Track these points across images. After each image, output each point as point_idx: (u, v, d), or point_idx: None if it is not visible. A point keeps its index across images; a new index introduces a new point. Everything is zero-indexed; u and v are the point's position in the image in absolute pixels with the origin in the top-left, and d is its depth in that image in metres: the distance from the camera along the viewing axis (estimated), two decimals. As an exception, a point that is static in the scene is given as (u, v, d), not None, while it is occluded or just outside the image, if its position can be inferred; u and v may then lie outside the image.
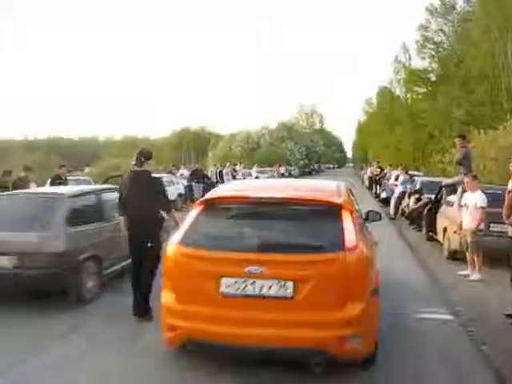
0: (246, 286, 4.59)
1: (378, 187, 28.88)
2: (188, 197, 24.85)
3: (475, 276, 9.35)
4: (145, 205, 6.76)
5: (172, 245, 5.04)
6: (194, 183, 27.43)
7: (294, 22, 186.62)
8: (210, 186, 28.39)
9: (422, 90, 39.14)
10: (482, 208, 9.37)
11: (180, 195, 23.04)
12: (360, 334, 4.53)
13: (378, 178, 29.95)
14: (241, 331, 4.60)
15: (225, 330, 4.63)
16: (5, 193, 9.05)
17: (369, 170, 39.07)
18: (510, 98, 27.28)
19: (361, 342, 4.56)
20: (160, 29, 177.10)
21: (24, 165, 13.83)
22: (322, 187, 6.37)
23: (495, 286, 8.45)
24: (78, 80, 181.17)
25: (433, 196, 14.02)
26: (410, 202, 16.95)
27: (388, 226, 16.63)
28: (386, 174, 27.96)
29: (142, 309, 6.70)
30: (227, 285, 4.65)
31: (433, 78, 37.41)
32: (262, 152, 64.75)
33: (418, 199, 16.11)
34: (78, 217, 7.77)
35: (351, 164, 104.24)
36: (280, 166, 48.69)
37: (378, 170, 31.47)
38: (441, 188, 13.51)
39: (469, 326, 6.53)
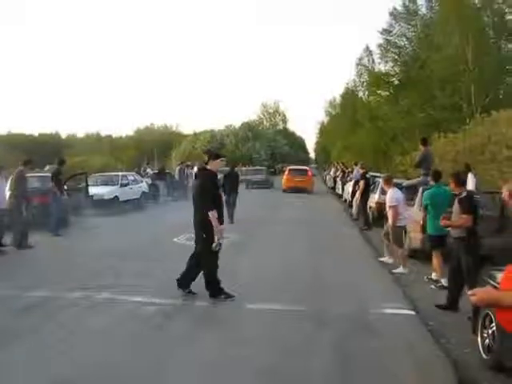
0: None
1: (341, 187, 29.07)
2: (151, 195, 24.85)
3: (400, 270, 9.98)
4: (200, 200, 7.59)
5: None
6: (158, 181, 27.46)
7: (258, 21, 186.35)
8: (174, 184, 28.51)
9: (385, 93, 39.73)
10: (390, 207, 10.16)
11: (144, 193, 22.92)
12: None
13: (340, 177, 30.13)
14: None
15: None
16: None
17: (332, 171, 39.33)
18: (470, 102, 28.00)
19: None
20: (128, 26, 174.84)
21: None
22: None
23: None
24: (38, 75, 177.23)
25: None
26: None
27: (350, 226, 17.01)
28: (349, 172, 27.37)
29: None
30: None
31: (395, 81, 38.01)
32: (227, 152, 64.77)
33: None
34: None
35: (314, 165, 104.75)
36: (244, 165, 48.72)
37: (342, 168, 31.32)
38: (401, 189, 13.82)
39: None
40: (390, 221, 10.32)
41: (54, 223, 14.17)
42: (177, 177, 29.38)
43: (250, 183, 38.37)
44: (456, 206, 7.56)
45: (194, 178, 30.43)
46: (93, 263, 10.37)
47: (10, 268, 10.18)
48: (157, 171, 29.39)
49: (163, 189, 27.69)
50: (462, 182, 7.86)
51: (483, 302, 2.75)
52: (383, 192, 16.55)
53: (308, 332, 6.28)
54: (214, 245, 7.35)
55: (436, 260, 9.04)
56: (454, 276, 7.56)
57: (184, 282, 7.83)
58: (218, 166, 7.86)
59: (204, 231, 7.50)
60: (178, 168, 30.62)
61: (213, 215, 7.36)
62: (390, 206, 10.24)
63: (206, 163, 7.78)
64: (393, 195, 10.31)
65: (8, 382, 4.82)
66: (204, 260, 7.66)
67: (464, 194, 7.63)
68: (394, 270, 10.04)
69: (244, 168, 44.49)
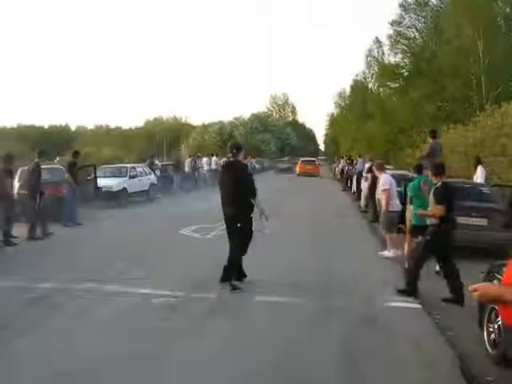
0: None
1: (349, 180, 29.09)
2: (162, 187, 24.99)
3: (387, 253, 10.34)
4: (234, 191, 7.83)
5: None
6: (172, 173, 27.66)
7: (267, 13, 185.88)
8: (185, 176, 28.61)
9: (395, 85, 39.51)
10: (383, 191, 10.44)
11: (152, 185, 22.96)
12: None
13: (347, 170, 30.31)
14: None
15: None
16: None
17: (341, 163, 39.41)
18: (481, 94, 27.76)
19: None
20: (135, 18, 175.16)
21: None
22: None
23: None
24: (49, 67, 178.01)
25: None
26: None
27: (359, 217, 17.01)
28: (355, 163, 27.60)
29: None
30: None
31: (405, 73, 37.78)
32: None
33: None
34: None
35: (324, 157, 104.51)
36: (253, 157, 48.72)
37: (349, 161, 31.51)
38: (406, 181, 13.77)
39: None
40: (383, 205, 10.53)
41: (68, 214, 14.38)
42: (187, 169, 29.41)
43: (277, 170, 55.03)
44: (431, 196, 7.76)
45: (207, 169, 30.84)
46: (101, 255, 10.44)
47: (19, 259, 10.25)
48: (167, 163, 29.42)
49: (177, 181, 27.80)
50: (439, 172, 7.92)
51: (484, 298, 2.74)
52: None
53: (316, 325, 6.30)
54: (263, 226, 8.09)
55: (409, 247, 9.28)
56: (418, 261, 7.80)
57: (236, 274, 7.96)
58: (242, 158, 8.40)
59: (241, 221, 7.82)
60: (189, 160, 30.66)
61: (258, 200, 7.95)
62: (382, 190, 10.49)
63: (234, 156, 8.16)
64: (385, 180, 10.67)
65: (13, 373, 4.85)
66: (235, 246, 7.92)
67: (439, 184, 7.74)
68: (381, 253, 10.54)
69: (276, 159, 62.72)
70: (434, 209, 7.62)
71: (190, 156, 32.64)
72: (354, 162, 29.33)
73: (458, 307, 7.09)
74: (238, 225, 7.81)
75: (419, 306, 7.17)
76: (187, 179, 28.58)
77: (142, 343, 5.62)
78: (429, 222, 7.86)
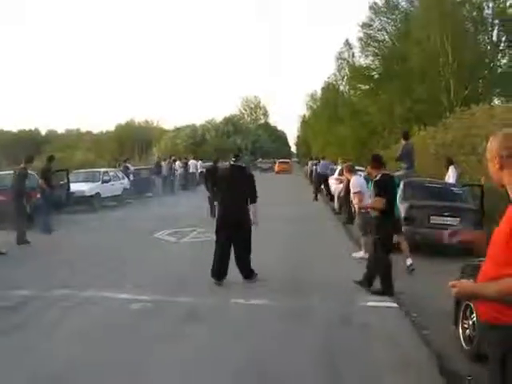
0: None
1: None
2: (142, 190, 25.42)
3: (357, 254, 10.46)
4: (239, 194, 8.34)
5: None
6: (154, 176, 27.74)
7: (238, 16, 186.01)
8: (165, 179, 28.80)
9: (366, 87, 39.87)
10: (354, 193, 10.45)
11: (125, 189, 22.85)
12: None
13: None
14: None
15: None
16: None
17: (309, 164, 39.57)
18: (450, 95, 28.22)
19: None
20: (108, 22, 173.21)
21: None
22: None
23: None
24: (17, 71, 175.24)
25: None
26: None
27: (333, 219, 17.16)
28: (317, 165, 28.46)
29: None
30: None
31: (376, 75, 38.16)
32: (208, 147, 64.84)
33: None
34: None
35: (296, 159, 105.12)
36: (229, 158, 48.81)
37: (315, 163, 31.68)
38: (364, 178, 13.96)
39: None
40: (356, 207, 10.63)
41: (43, 220, 14.18)
42: (164, 172, 29.39)
43: (261, 169, 62.92)
44: (372, 189, 8.09)
45: (180, 172, 30.92)
46: (76, 261, 10.32)
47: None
48: (155, 165, 29.40)
49: (158, 184, 27.96)
50: (378, 165, 8.14)
51: (461, 295, 2.83)
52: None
53: (292, 326, 6.33)
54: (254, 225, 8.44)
55: None
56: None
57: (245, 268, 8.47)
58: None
59: (246, 225, 8.31)
60: (165, 162, 30.67)
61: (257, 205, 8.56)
62: (354, 193, 10.54)
63: (236, 161, 8.71)
64: (356, 182, 10.67)
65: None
66: (243, 250, 8.36)
67: (378, 176, 7.93)
68: (353, 254, 10.57)
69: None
70: (374, 201, 7.81)
71: (165, 160, 32.63)
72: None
73: (433, 304, 7.18)
74: (245, 225, 8.28)
75: (395, 305, 7.27)
76: (164, 183, 28.69)
77: (120, 349, 5.57)
78: (372, 215, 8.12)
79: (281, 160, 68.59)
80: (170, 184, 29.29)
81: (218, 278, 8.22)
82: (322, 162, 26.98)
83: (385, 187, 7.78)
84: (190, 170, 32.85)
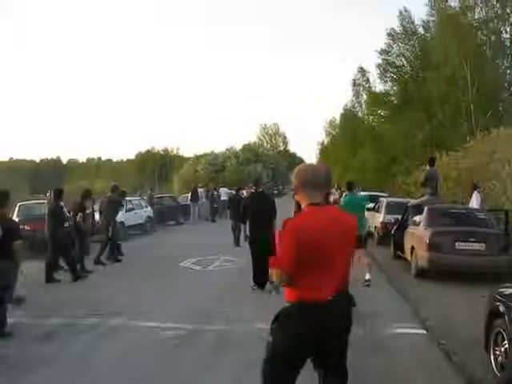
0: None
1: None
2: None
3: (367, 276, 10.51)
4: (265, 216, 9.74)
5: None
6: (191, 203, 28.07)
7: (257, 44, 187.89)
8: (202, 206, 29.20)
9: (385, 112, 39.90)
10: None
11: (149, 218, 23.09)
12: None
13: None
14: None
15: None
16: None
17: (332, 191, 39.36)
18: (470, 120, 28.16)
19: None
20: (127, 51, 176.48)
21: None
22: None
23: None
24: (40, 101, 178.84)
25: (399, 216, 14.43)
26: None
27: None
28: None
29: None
30: None
31: (395, 101, 38.20)
32: (229, 174, 65.24)
33: None
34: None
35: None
36: (250, 187, 48.97)
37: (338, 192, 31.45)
38: (407, 208, 13.97)
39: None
40: None
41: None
42: (204, 199, 29.71)
43: (273, 195, 56.76)
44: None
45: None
46: (103, 288, 10.51)
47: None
48: (192, 193, 29.61)
49: (194, 211, 28.65)
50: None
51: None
52: (388, 212, 16.82)
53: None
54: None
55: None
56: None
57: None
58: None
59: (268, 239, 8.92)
60: (203, 189, 31.23)
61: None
62: None
63: (257, 187, 10.58)
64: None
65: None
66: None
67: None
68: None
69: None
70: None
71: (202, 187, 32.96)
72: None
73: (463, 330, 7.15)
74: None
75: (424, 332, 7.26)
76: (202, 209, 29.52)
77: (157, 375, 5.66)
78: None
79: None
80: (211, 211, 29.46)
81: (258, 284, 9.75)
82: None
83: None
84: (221, 198, 32.44)
